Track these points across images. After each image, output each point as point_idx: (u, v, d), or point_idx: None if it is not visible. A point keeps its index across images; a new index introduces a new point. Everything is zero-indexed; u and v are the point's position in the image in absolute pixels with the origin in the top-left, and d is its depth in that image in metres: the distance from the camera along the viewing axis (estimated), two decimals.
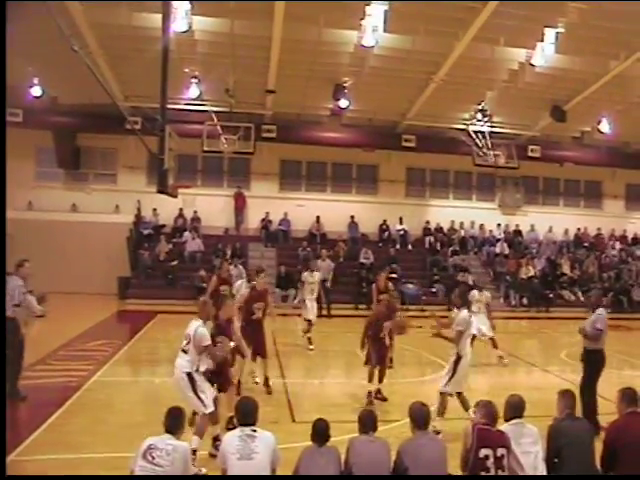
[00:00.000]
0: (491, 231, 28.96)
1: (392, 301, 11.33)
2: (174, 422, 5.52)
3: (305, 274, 16.28)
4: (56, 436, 8.04)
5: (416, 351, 15.01)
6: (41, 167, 26.15)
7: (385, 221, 27.99)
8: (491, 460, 5.40)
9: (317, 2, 17.92)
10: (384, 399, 10.49)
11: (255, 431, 5.45)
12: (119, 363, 12.93)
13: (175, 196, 13.54)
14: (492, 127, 24.09)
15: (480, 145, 23.68)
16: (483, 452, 5.42)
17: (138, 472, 5.18)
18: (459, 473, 5.65)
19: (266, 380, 10.96)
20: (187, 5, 17.64)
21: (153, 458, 5.17)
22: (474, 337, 13.93)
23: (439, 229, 28.40)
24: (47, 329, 15.28)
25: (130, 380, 12.01)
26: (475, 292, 14.56)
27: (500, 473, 5.43)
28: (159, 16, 12.94)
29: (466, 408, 8.57)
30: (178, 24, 17.40)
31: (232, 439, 5.40)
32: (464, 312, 8.90)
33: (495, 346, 14.41)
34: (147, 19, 18.02)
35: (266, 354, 11.06)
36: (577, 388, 8.57)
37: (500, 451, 5.46)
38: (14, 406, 8.99)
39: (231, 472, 5.28)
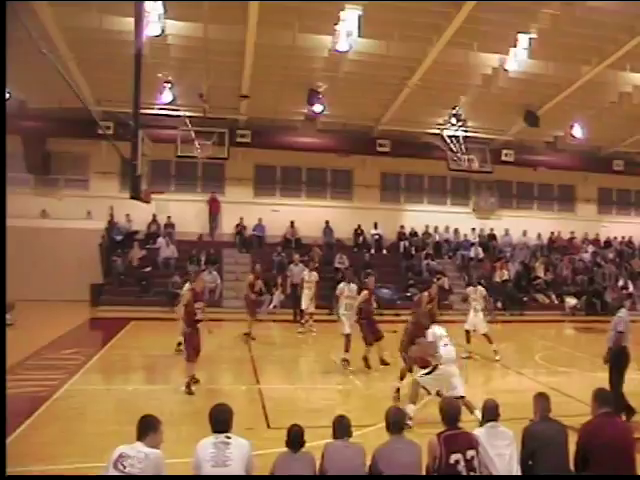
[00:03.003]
0: (465, 235, 29.11)
1: (434, 312, 12.00)
2: (146, 430, 5.38)
3: (341, 285, 14.67)
4: (25, 448, 7.84)
5: (391, 355, 14.95)
6: (9, 172, 25.58)
7: (360, 226, 28.00)
8: (462, 464, 5.36)
9: (291, 7, 17.91)
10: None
11: (229, 438, 5.36)
12: (91, 371, 12.74)
13: (148, 202, 13.39)
14: (466, 132, 24.20)
15: (454, 150, 23.78)
16: (453, 458, 5.37)
17: None
18: None
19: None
20: (160, 9, 17.51)
21: (124, 467, 5.03)
22: (468, 332, 14.59)
23: (414, 233, 28.49)
24: (16, 338, 14.97)
25: (102, 388, 11.84)
26: (470, 289, 15.63)
27: (472, 475, 5.40)
28: (131, 20, 12.83)
29: (470, 410, 8.64)
30: (151, 28, 17.25)
31: (206, 446, 5.30)
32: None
33: (489, 341, 14.95)
34: (119, 23, 17.83)
35: None
36: (550, 390, 8.57)
37: (470, 453, 5.42)
38: None
39: None
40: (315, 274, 19.63)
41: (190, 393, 10.84)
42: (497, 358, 14.71)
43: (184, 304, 11.57)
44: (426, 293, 13.63)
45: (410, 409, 9.06)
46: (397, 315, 23.23)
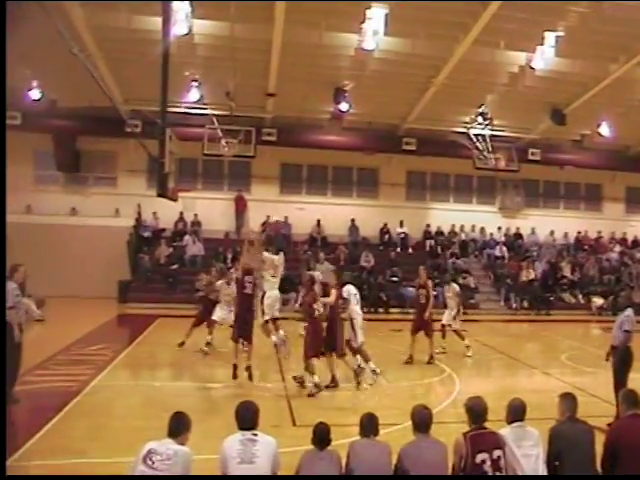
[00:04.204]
0: (492, 234, 28.92)
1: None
2: (177, 426, 5.41)
3: None
4: (55, 441, 7.98)
5: (417, 354, 14.95)
6: (40, 170, 26.13)
7: (386, 224, 27.99)
8: (488, 464, 5.32)
9: (318, 6, 17.94)
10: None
11: (256, 435, 5.38)
12: (119, 367, 12.88)
13: (175, 200, 13.55)
14: (492, 130, 24.08)
15: (480, 148, 23.68)
16: (479, 457, 5.33)
17: None
18: None
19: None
20: (187, 8, 17.64)
21: (153, 463, 5.06)
22: (444, 327, 14.82)
23: (440, 232, 28.41)
24: (46, 333, 15.28)
25: (130, 384, 11.96)
26: (445, 287, 16.28)
27: (498, 475, 5.37)
28: (159, 19, 12.97)
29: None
30: (178, 27, 17.37)
31: (233, 443, 5.32)
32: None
33: (462, 337, 15.14)
34: (147, 22, 17.99)
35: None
36: (576, 390, 8.52)
37: (496, 453, 5.38)
38: (11, 410, 8.92)
39: None
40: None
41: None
42: (469, 354, 14.82)
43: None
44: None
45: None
46: None
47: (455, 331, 15.13)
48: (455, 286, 15.73)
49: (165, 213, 25.20)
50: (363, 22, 18.67)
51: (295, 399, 10.59)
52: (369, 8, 18.13)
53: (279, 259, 13.51)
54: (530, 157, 26.98)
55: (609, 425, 7.11)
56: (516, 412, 5.90)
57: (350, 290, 12.08)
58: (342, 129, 26.19)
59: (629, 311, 9.96)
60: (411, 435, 5.71)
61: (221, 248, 25.18)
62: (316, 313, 10.99)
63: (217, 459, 5.40)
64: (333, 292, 11.38)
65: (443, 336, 15.25)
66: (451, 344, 15.30)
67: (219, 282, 14.53)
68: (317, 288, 11.57)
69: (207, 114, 22.51)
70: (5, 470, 5.88)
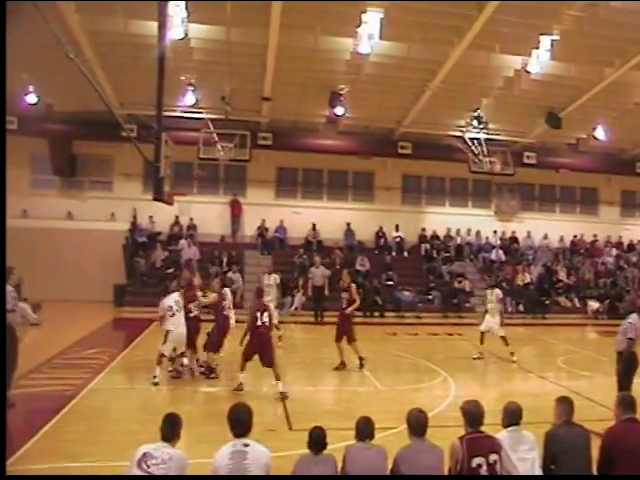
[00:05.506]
0: (487, 238, 28.95)
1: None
2: (171, 429, 5.37)
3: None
4: (51, 445, 7.97)
5: (412, 358, 14.99)
6: (36, 175, 26.10)
7: (381, 228, 27.98)
8: (484, 468, 5.32)
9: (313, 9, 17.95)
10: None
11: (248, 445, 5.22)
12: (115, 371, 12.85)
13: (171, 204, 13.54)
14: (488, 134, 24.07)
15: (476, 152, 23.67)
16: (475, 461, 5.32)
17: None
18: None
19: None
20: (183, 12, 17.64)
21: (148, 467, 5.02)
22: (483, 333, 14.60)
23: (435, 236, 28.41)
24: (42, 337, 15.26)
25: (126, 388, 11.95)
26: (487, 291, 15.84)
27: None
28: (155, 23, 12.96)
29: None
30: (174, 31, 17.39)
31: (224, 455, 5.18)
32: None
33: (506, 343, 15.07)
34: (143, 26, 17.99)
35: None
36: (572, 394, 8.53)
37: (492, 457, 5.38)
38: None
39: None
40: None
41: None
42: (514, 359, 14.83)
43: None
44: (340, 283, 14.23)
45: (156, 371, 11.48)
46: (418, 318, 23.28)
47: (502, 337, 15.04)
48: (499, 292, 15.62)
49: (161, 217, 25.24)
50: (358, 26, 18.67)
51: (291, 403, 10.57)
52: (364, 12, 18.14)
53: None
54: (526, 161, 27.01)
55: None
56: (512, 416, 5.90)
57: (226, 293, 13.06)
58: (338, 133, 26.21)
59: (633, 317, 9.98)
60: (407, 439, 5.70)
61: (217, 252, 25.18)
62: (192, 313, 12.46)
63: (211, 463, 5.34)
64: (214, 295, 12.69)
65: (482, 342, 15.31)
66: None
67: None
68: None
69: (203, 118, 22.53)
70: (5, 470, 5.86)
